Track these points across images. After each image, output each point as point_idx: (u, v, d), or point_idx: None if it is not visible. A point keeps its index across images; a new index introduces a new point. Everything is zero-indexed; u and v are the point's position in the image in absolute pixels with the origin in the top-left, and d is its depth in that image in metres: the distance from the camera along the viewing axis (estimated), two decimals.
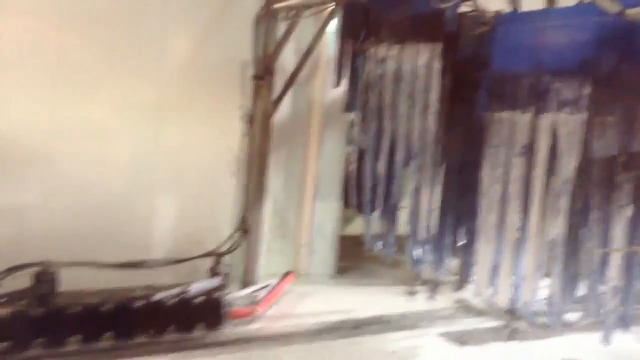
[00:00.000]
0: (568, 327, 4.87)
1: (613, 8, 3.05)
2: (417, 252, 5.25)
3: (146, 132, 6.10)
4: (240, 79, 6.42)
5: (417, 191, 4.99)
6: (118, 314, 4.74)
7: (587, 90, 4.07)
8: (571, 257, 4.11)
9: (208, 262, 6.16)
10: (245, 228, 6.30)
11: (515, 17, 4.89)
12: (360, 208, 5.90)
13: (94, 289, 5.50)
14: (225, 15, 6.30)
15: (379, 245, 5.69)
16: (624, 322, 4.09)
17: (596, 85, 4.03)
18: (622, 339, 4.46)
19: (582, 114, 4.10)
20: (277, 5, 5.81)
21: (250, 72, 6.27)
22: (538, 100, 4.41)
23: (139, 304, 4.91)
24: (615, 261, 3.94)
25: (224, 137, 6.51)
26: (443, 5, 4.50)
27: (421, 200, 5.00)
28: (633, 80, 3.80)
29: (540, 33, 4.40)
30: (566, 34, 4.21)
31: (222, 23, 6.29)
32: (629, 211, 3.96)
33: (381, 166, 5.27)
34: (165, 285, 5.80)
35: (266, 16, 6.00)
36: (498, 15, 4.93)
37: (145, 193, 6.20)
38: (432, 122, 4.84)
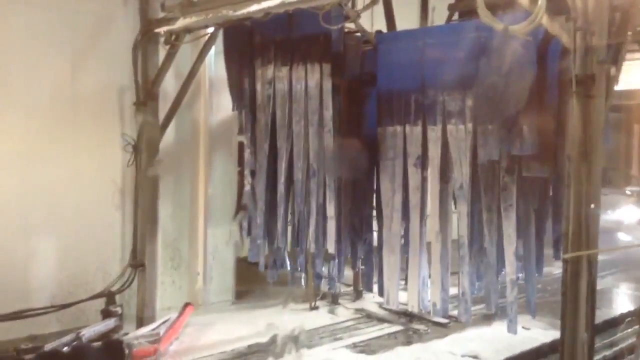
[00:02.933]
0: (473, 321, 5.16)
1: (498, 26, 3.36)
2: (321, 267, 5.30)
3: (15, 168, 5.57)
4: (120, 106, 6.12)
5: (318, 208, 5.06)
6: None
7: (470, 101, 4.41)
8: (473, 256, 4.40)
9: (98, 303, 5.76)
10: (137, 263, 5.96)
11: (396, 36, 5.19)
12: (253, 230, 5.83)
13: None
14: (100, 41, 5.98)
15: (279, 265, 5.67)
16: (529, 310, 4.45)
17: (477, 97, 4.37)
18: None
19: (468, 123, 4.43)
20: (157, 30, 5.62)
21: (130, 98, 6.00)
22: (425, 113, 4.69)
23: (29, 356, 4.45)
24: (510, 257, 4.28)
25: (105, 169, 6.14)
26: (330, 27, 4.62)
27: (323, 217, 5.07)
28: (508, 91, 4.18)
29: (422, 50, 4.70)
30: (446, 50, 4.54)
31: (96, 48, 5.97)
32: (514, 210, 4.33)
33: (280, 186, 5.27)
34: (52, 333, 5.36)
35: (145, 41, 5.78)
36: (379, 34, 5.19)
37: (19, 235, 5.64)
38: (328, 139, 4.94)
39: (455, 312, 4.89)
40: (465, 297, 4.42)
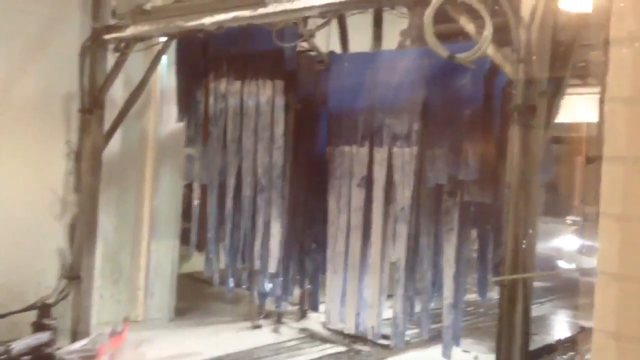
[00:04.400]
0: (408, 345, 5.20)
1: (444, 53, 3.44)
2: (265, 285, 5.24)
3: None
4: (66, 113, 5.95)
5: (265, 225, 5.01)
6: None
7: (416, 125, 4.47)
8: (409, 279, 4.43)
9: (30, 316, 5.51)
10: (74, 275, 5.76)
11: (348, 57, 5.24)
12: (201, 245, 5.74)
13: None
14: (47, 44, 5.80)
15: (226, 282, 5.58)
16: (456, 337, 4.48)
17: (424, 122, 4.44)
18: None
19: (413, 147, 4.49)
20: (106, 37, 5.50)
21: (76, 105, 5.84)
22: (372, 135, 4.73)
23: None
24: (448, 280, 4.33)
25: (46, 176, 5.93)
26: (283, 44, 4.63)
27: (269, 234, 5.03)
28: (457, 116, 4.27)
29: (373, 73, 4.75)
30: (396, 74, 4.61)
31: (43, 51, 5.78)
32: (455, 234, 4.39)
33: (228, 201, 5.20)
34: None
35: (94, 47, 5.65)
36: (332, 54, 5.23)
37: None
38: (277, 156, 4.92)
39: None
40: (397, 321, 4.43)
